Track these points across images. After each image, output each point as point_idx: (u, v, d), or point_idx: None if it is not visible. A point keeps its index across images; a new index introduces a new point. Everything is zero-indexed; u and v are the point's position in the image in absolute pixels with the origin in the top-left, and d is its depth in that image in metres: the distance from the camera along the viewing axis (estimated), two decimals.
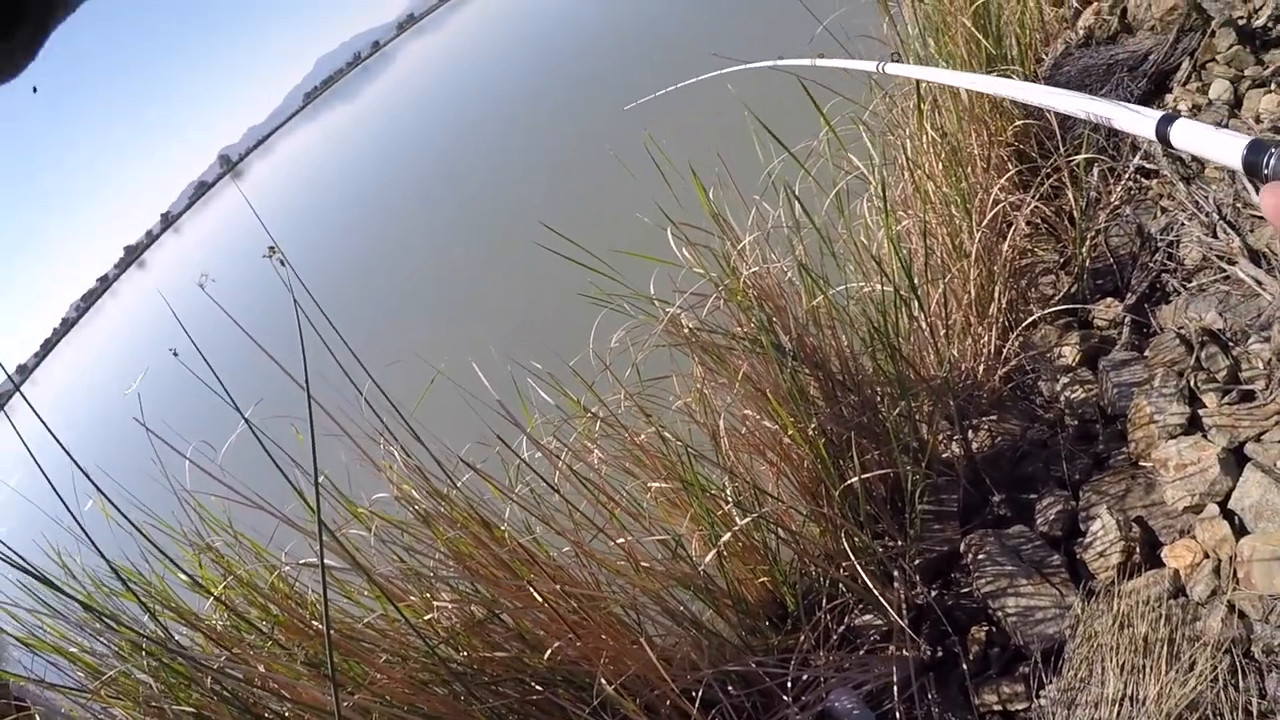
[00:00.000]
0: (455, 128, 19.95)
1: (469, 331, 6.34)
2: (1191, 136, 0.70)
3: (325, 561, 1.33)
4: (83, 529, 1.68)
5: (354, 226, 17.22)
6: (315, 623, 1.90)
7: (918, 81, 2.42)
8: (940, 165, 2.55)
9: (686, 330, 2.06)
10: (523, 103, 16.09)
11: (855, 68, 1.75)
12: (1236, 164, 0.61)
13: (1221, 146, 0.64)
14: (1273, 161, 0.53)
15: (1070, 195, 2.79)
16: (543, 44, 22.89)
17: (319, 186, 29.16)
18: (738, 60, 2.20)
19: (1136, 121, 0.79)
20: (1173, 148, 0.74)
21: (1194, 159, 2.98)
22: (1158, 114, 0.75)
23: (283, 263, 1.77)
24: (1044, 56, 3.53)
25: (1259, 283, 2.46)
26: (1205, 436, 2.19)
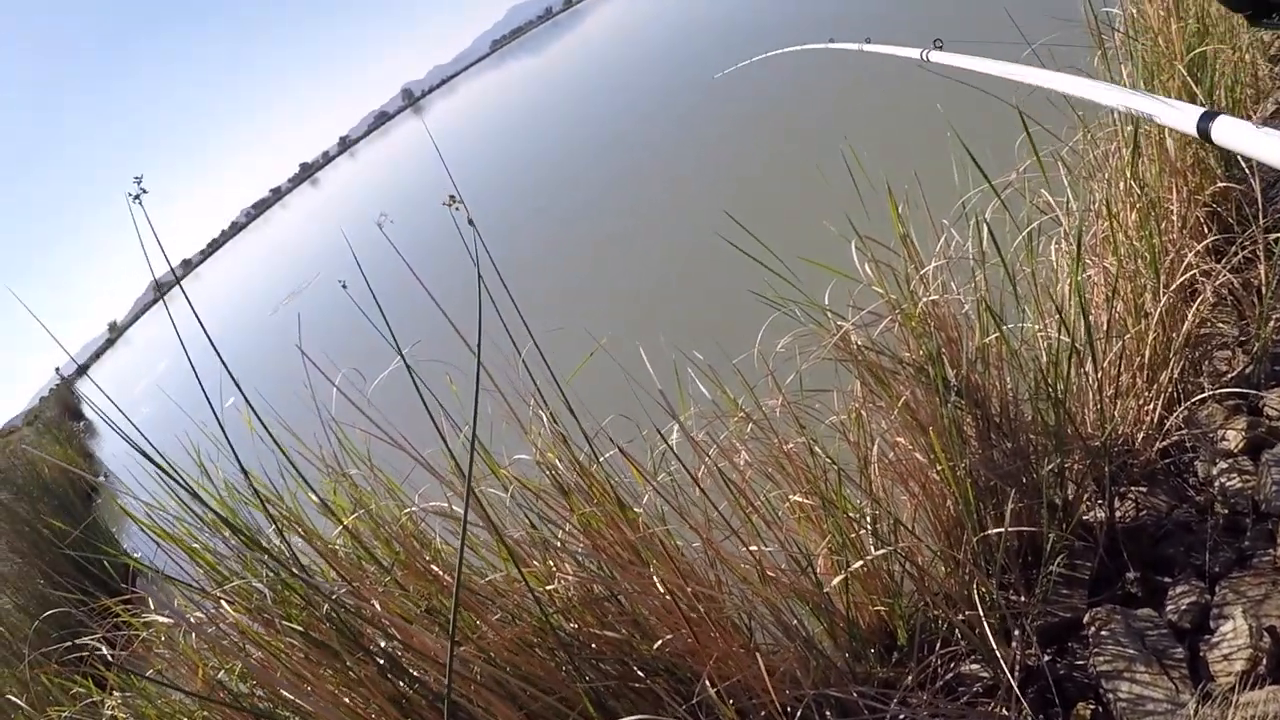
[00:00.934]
0: (646, 97, 19.25)
1: (636, 310, 6.28)
2: (1234, 135, 0.69)
3: (467, 517, 1.30)
4: (224, 432, 1.69)
5: (530, 182, 16.98)
6: (434, 567, 1.89)
7: (1135, 129, 2.23)
8: (1135, 217, 2.35)
9: (855, 347, 1.95)
10: (721, 82, 15.45)
11: (901, 54, 1.61)
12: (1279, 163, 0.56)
13: (1266, 147, 0.61)
14: None
15: (1262, 270, 2.55)
16: (755, 21, 21.66)
17: (497, 135, 29.07)
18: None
19: (1177, 117, 0.78)
20: (1213, 143, 0.73)
21: None
22: (1199, 110, 0.73)
23: (470, 221, 1.72)
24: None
25: None
26: None
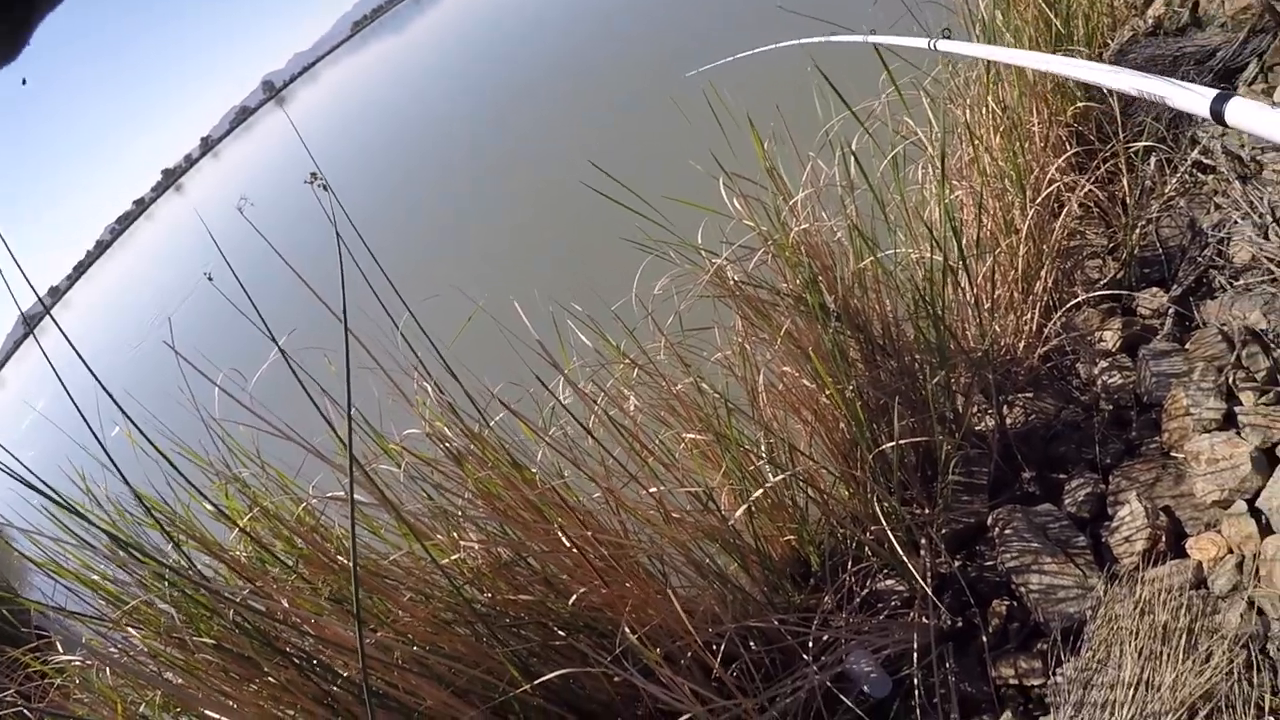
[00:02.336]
0: (506, 65, 19.23)
1: (511, 270, 6.15)
2: (1247, 115, 0.65)
3: (354, 497, 1.20)
4: (108, 454, 1.56)
5: (398, 159, 16.69)
6: (340, 558, 1.79)
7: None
8: (999, 139, 2.35)
9: (732, 282, 1.90)
10: (578, 43, 15.54)
11: (908, 44, 1.57)
12: None
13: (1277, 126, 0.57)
14: None
15: (1125, 182, 2.59)
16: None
17: (363, 117, 28.46)
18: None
19: (1191, 99, 0.74)
20: (1227, 125, 0.68)
21: (1253, 159, 2.76)
22: (1212, 91, 0.70)
23: (325, 188, 1.62)
24: (1110, 41, 3.29)
25: None
26: (1239, 434, 2.05)
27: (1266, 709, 1.57)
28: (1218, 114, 0.69)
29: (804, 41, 2.03)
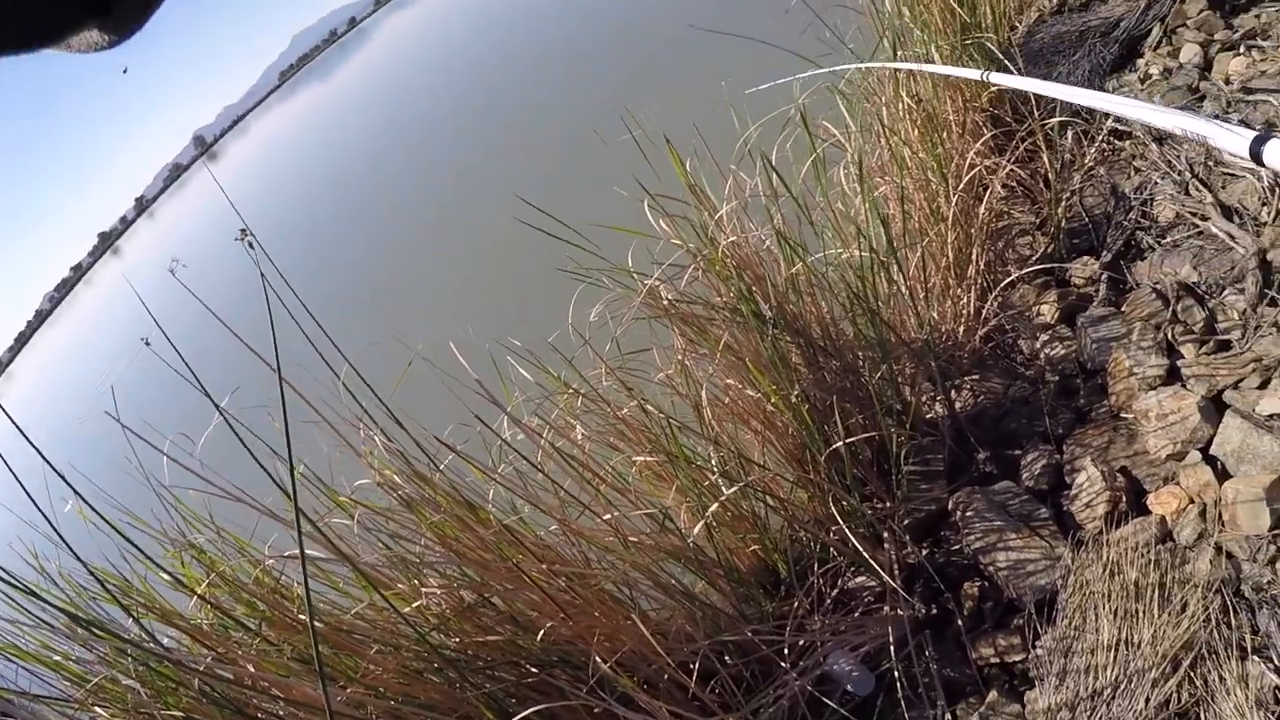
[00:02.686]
0: (432, 106, 19.50)
1: (447, 311, 6.14)
2: None
3: (307, 552, 1.20)
4: (57, 532, 1.54)
5: (330, 208, 16.77)
6: (303, 616, 1.77)
7: (893, 50, 2.28)
8: (916, 131, 2.40)
9: (666, 302, 1.92)
10: (500, 79, 15.73)
11: (961, 75, 1.58)
12: None
13: None
14: None
15: (1045, 158, 2.66)
16: (521, 20, 22.23)
17: (294, 168, 28.51)
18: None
19: (1230, 140, 0.75)
20: (1265, 166, 0.69)
21: None
22: (1252, 134, 0.70)
23: (252, 245, 1.62)
24: (1018, 24, 3.39)
25: (1231, 236, 2.37)
26: (1184, 386, 2.11)
27: (1249, 649, 1.61)
28: (1256, 155, 0.70)
29: (840, 69, 2.08)
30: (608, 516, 1.74)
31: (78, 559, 1.59)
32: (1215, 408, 2.01)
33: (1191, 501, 1.92)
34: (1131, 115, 0.98)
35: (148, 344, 1.72)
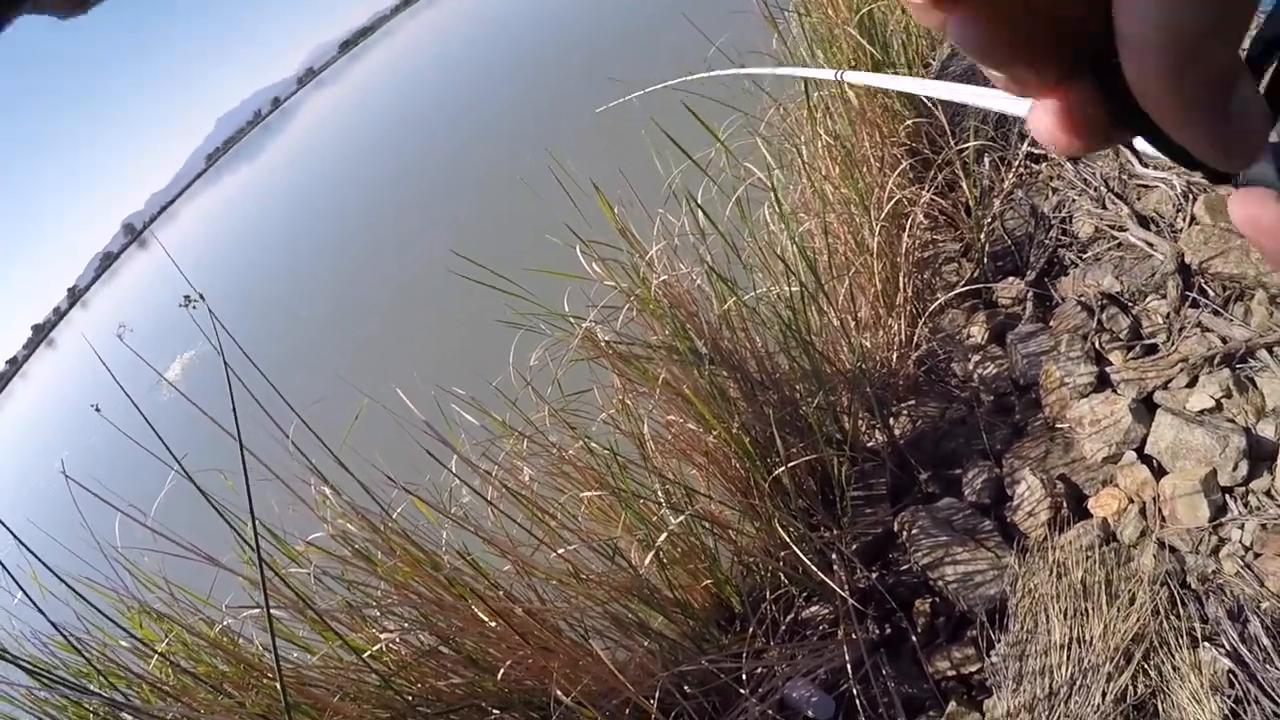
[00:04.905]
0: (361, 172, 20.16)
1: (391, 364, 6.34)
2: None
3: (269, 602, 1.37)
4: (29, 597, 1.68)
5: (266, 277, 17.08)
6: (264, 673, 1.91)
7: (806, 88, 2.57)
8: (837, 168, 2.69)
9: (603, 343, 2.14)
10: (425, 140, 16.34)
11: (815, 75, 1.81)
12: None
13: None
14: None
15: (965, 186, 2.96)
16: (440, 82, 23.14)
17: (225, 249, 28.91)
18: (640, 82, 2.33)
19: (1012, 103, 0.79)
20: (1137, 153, 0.74)
21: None
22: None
23: (197, 307, 1.80)
24: (931, 61, 3.74)
25: (1150, 244, 2.65)
26: (1115, 391, 2.35)
27: (1200, 636, 1.81)
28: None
29: (714, 75, 2.28)
30: (560, 551, 1.92)
31: (47, 619, 1.70)
32: (1146, 409, 2.26)
33: (1131, 501, 2.13)
34: (986, 105, 1.11)
35: (98, 410, 1.88)
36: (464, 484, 1.84)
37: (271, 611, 1.83)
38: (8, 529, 1.62)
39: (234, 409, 1.52)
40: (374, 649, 1.82)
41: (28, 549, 1.67)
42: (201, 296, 1.72)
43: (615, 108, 2.27)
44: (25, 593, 1.64)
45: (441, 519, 1.88)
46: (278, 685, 1.75)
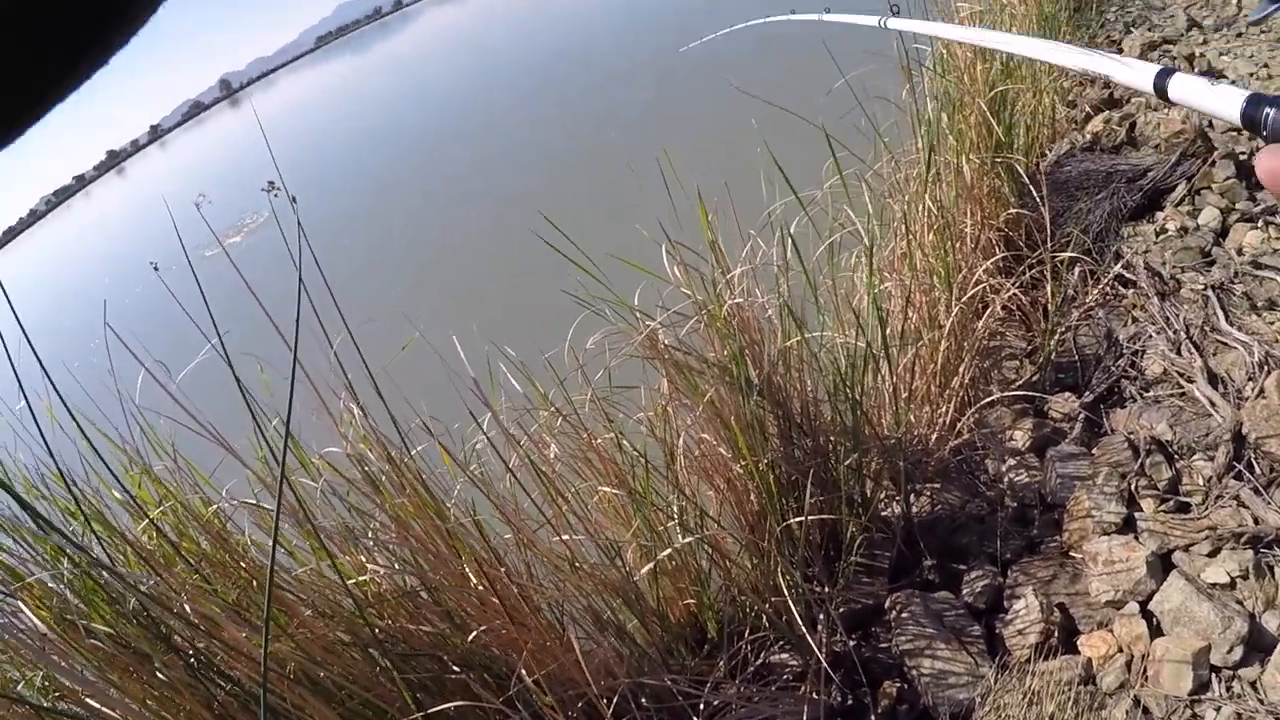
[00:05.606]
0: (467, 101, 19.84)
1: (450, 305, 6.36)
2: (1189, 90, 0.69)
3: (268, 507, 1.37)
4: (37, 422, 1.68)
5: (350, 178, 16.91)
6: (244, 564, 1.92)
7: (929, 154, 2.54)
8: (932, 236, 2.66)
9: (662, 346, 2.13)
10: (542, 88, 16.13)
11: (859, 21, 1.81)
12: (1235, 118, 0.58)
13: (1220, 100, 0.62)
14: (1271, 119, 0.50)
15: (1049, 289, 2.92)
16: (573, 35, 22.75)
17: (318, 130, 28.70)
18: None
19: (1133, 74, 0.80)
20: (1169, 101, 0.73)
21: (1173, 277, 3.15)
22: (1156, 67, 0.75)
23: (293, 201, 1.80)
24: (1048, 152, 3.70)
25: (1213, 404, 2.60)
26: (1137, 538, 2.32)
27: None
28: (1160, 89, 0.72)
29: (769, 20, 2.26)
30: (564, 537, 1.92)
31: (48, 450, 1.71)
32: (1162, 565, 2.22)
33: (1120, 650, 2.11)
34: (1027, 53, 1.09)
35: (155, 268, 1.88)
36: (490, 444, 1.83)
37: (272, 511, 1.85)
38: (35, 354, 1.62)
39: (299, 310, 1.51)
40: (359, 578, 1.83)
41: (46, 373, 1.67)
42: (292, 197, 1.72)
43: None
44: (34, 417, 1.63)
45: (458, 472, 1.88)
46: (258, 583, 1.77)
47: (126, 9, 0.27)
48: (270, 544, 1.22)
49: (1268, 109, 0.52)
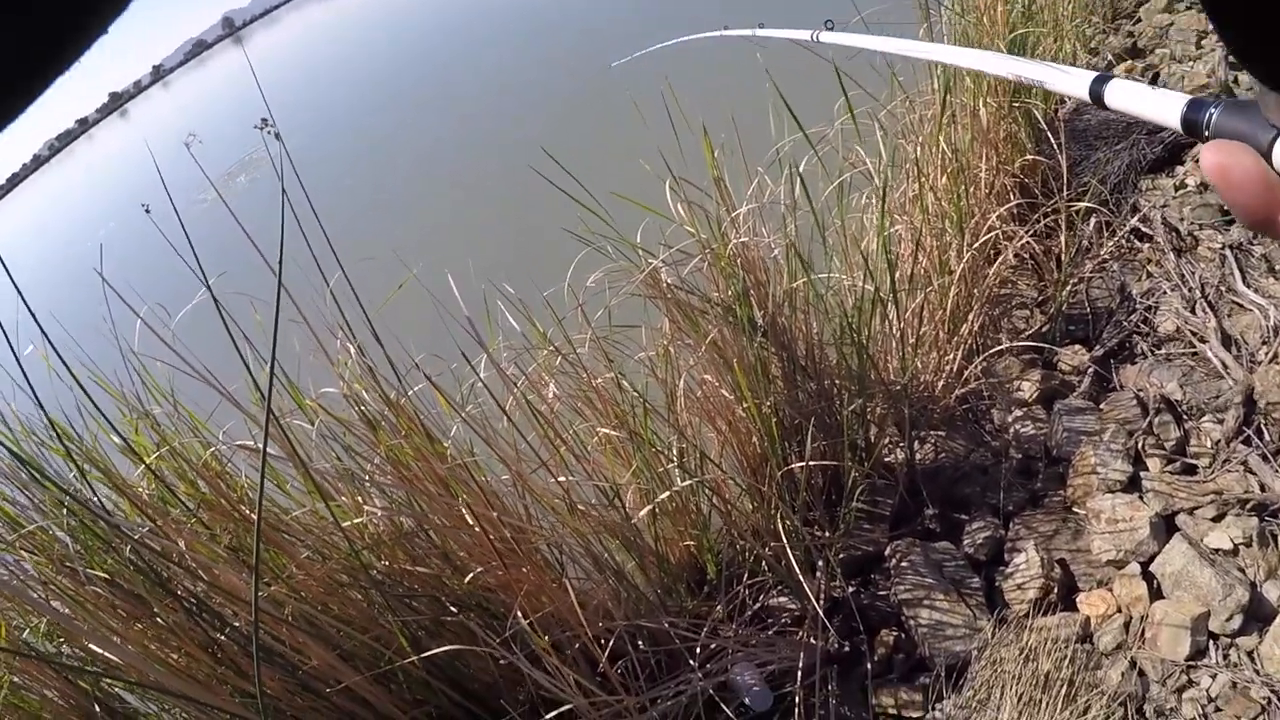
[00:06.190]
0: (474, 34, 19.50)
1: (449, 242, 6.28)
2: (1127, 96, 0.67)
3: (265, 449, 1.35)
4: (24, 372, 1.66)
5: (350, 115, 16.70)
6: (243, 507, 1.91)
7: (945, 95, 2.47)
8: (945, 180, 2.60)
9: (665, 285, 2.09)
10: (546, 24, 15.84)
11: (792, 37, 1.77)
12: (1175, 123, 0.57)
13: (1159, 105, 0.60)
14: (1213, 119, 0.49)
15: (1063, 239, 2.86)
16: None
17: (322, 68, 28.29)
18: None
19: (1068, 81, 0.77)
20: (1107, 108, 0.71)
21: (1190, 234, 3.08)
22: (1091, 74, 0.73)
23: (277, 136, 1.75)
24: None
25: (1225, 366, 2.56)
26: (1142, 498, 2.30)
27: None
28: (1097, 96, 0.71)
29: (695, 37, 2.22)
30: (561, 479, 1.90)
31: (35, 400, 1.70)
32: (1166, 527, 2.21)
33: (1119, 610, 2.10)
34: (957, 63, 1.06)
35: (148, 211, 1.84)
36: (485, 388, 1.80)
37: (268, 455, 1.84)
38: (24, 302, 1.60)
39: (281, 245, 1.47)
40: (356, 521, 1.82)
41: (38, 323, 1.64)
42: (276, 132, 1.66)
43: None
44: (20, 365, 1.61)
45: (458, 410, 1.86)
46: (253, 521, 1.76)
47: None
48: (260, 487, 1.20)
49: (1209, 110, 0.50)
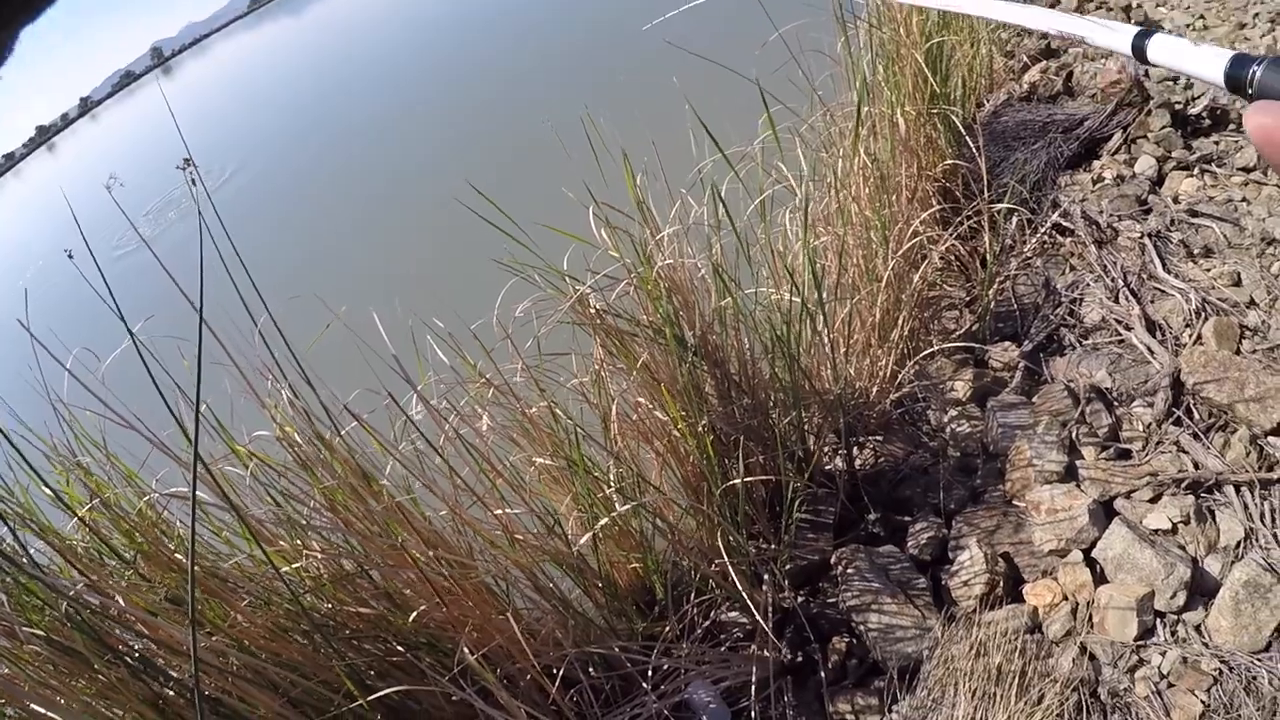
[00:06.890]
0: (399, 66, 19.50)
1: (375, 278, 6.25)
2: (1170, 52, 0.67)
3: (197, 494, 1.34)
4: None
5: (277, 148, 16.60)
6: (179, 556, 1.89)
7: (859, 105, 2.53)
8: (867, 190, 2.66)
9: (593, 311, 2.11)
10: (472, 56, 15.90)
11: None
12: (1219, 79, 0.56)
13: (1203, 61, 0.60)
14: (1257, 76, 0.49)
15: (986, 239, 2.94)
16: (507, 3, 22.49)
17: (250, 99, 27.98)
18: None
19: (1111, 37, 0.78)
20: (1149, 62, 0.70)
21: (1110, 226, 3.18)
22: (1134, 29, 0.73)
23: (193, 182, 1.75)
24: (985, 102, 3.71)
25: (1151, 351, 2.63)
26: (1079, 486, 2.35)
27: None
28: (1139, 51, 0.70)
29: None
30: (499, 511, 1.91)
31: None
32: (1105, 512, 2.26)
33: (1065, 598, 2.14)
34: (1004, 18, 1.05)
35: (70, 256, 1.81)
36: (415, 427, 1.81)
37: (202, 500, 1.82)
38: None
39: (201, 283, 1.46)
40: (294, 566, 1.80)
41: None
42: (194, 178, 1.66)
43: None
44: None
45: (390, 449, 1.86)
46: (189, 575, 1.74)
47: None
48: (192, 534, 1.19)
49: (1253, 68, 0.51)
